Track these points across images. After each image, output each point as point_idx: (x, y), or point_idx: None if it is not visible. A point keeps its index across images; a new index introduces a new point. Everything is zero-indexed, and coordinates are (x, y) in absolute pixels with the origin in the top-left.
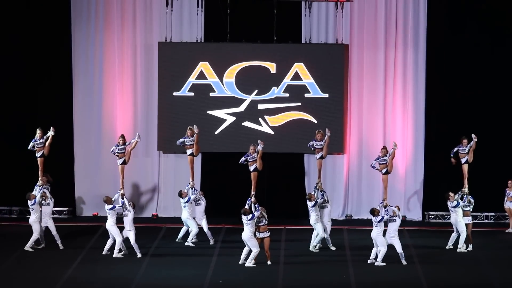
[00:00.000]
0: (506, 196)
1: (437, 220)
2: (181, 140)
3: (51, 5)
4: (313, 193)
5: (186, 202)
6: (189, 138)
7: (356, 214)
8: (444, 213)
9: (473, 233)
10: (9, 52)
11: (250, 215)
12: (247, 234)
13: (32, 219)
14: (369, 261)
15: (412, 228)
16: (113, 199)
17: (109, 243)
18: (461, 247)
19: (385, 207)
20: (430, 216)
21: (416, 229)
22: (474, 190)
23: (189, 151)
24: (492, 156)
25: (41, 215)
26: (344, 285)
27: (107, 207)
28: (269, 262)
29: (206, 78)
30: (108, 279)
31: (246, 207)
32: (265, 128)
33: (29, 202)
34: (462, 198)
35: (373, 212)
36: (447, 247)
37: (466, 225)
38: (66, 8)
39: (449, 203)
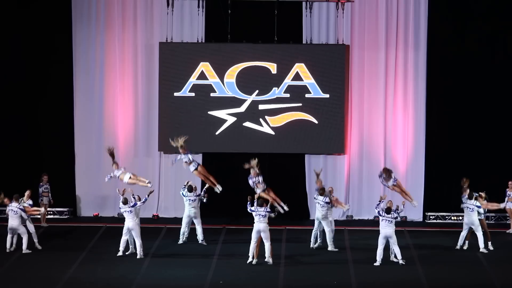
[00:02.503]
0: (506, 196)
1: (438, 221)
2: (178, 157)
3: (51, 6)
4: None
5: (197, 196)
6: (184, 154)
7: (356, 215)
8: (444, 214)
9: (474, 234)
10: (10, 53)
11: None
12: (264, 225)
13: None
14: (376, 264)
15: (413, 229)
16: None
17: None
18: (483, 248)
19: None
20: (430, 217)
21: (416, 230)
22: (475, 190)
23: (191, 167)
24: (492, 156)
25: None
26: (344, 285)
27: (126, 206)
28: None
29: (207, 79)
30: (109, 279)
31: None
32: (265, 129)
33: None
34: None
35: (390, 210)
36: (458, 247)
37: (481, 221)
38: (67, 8)
39: (475, 202)
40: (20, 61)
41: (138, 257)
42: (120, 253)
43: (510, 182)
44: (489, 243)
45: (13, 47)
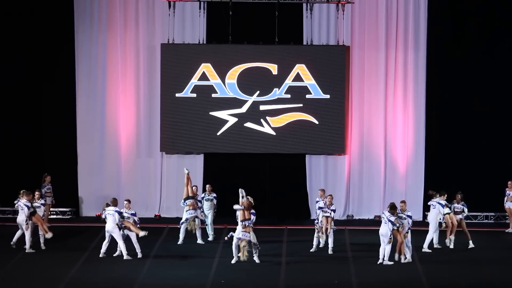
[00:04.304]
0: (506, 196)
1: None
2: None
3: (54, 7)
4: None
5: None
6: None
7: (357, 214)
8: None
9: (474, 233)
10: (13, 54)
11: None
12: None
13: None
14: (379, 262)
15: (413, 228)
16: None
17: (105, 245)
18: (426, 248)
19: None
20: None
21: (416, 229)
22: (474, 190)
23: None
24: (492, 156)
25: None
26: (345, 285)
27: (112, 208)
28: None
29: (208, 79)
30: (111, 279)
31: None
32: (266, 129)
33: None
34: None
35: (393, 207)
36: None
37: (461, 221)
38: (70, 10)
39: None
40: (23, 61)
41: (125, 258)
42: (101, 255)
43: (509, 182)
44: (470, 241)
45: (15, 47)
